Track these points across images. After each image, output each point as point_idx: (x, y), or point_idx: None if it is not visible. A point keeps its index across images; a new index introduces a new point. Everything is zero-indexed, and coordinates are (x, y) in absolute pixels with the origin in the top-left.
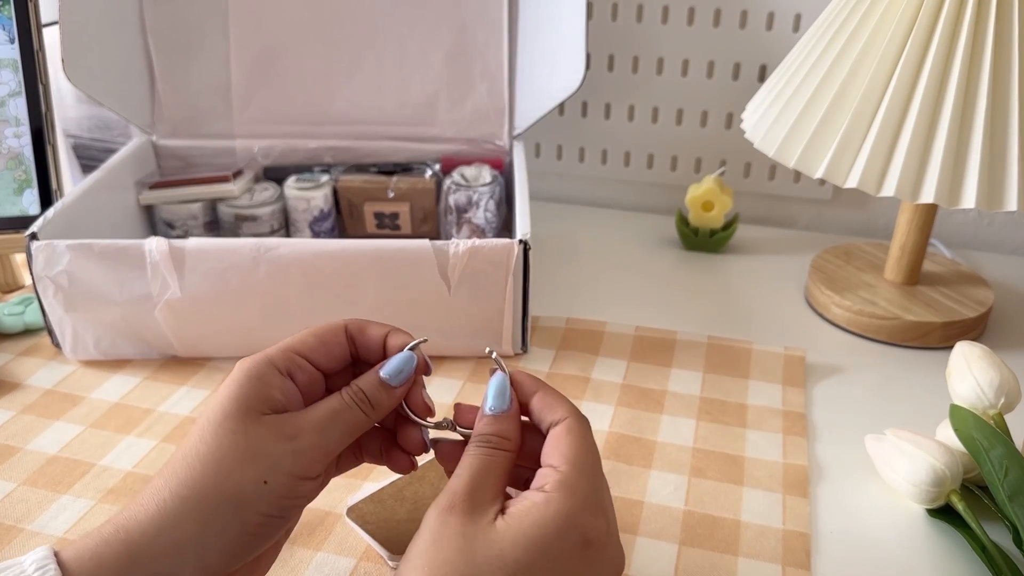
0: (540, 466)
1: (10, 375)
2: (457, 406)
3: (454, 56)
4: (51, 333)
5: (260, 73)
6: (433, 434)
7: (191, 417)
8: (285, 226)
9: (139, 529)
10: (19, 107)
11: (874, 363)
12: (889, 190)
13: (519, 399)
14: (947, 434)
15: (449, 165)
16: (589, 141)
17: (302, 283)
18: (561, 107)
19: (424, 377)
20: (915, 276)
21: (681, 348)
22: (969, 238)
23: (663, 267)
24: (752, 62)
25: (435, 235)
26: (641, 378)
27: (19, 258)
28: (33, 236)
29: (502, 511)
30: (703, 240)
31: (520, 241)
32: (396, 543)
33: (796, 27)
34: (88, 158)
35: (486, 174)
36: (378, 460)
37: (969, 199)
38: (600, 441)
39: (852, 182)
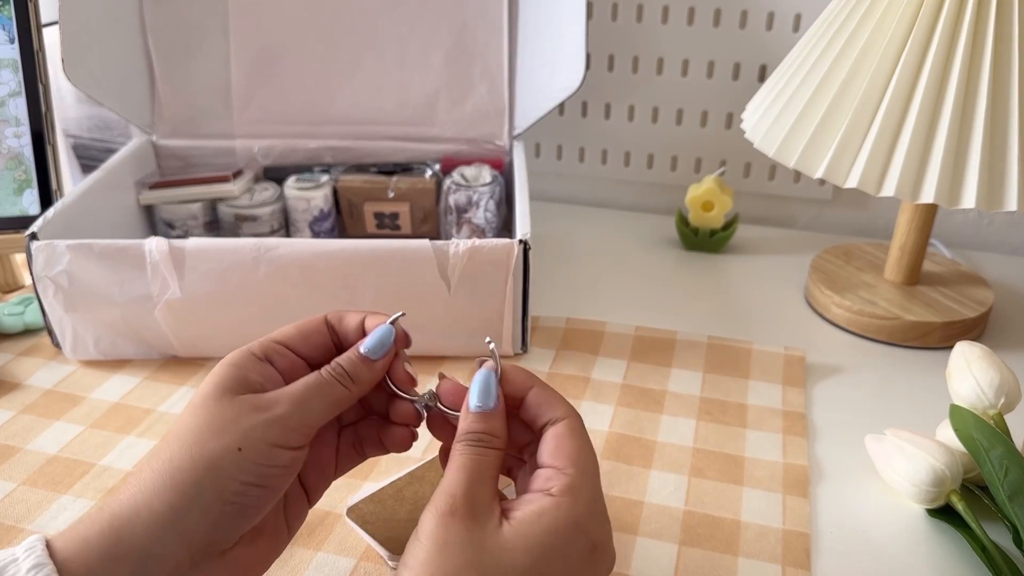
0: (521, 455)
1: (10, 375)
2: (440, 380)
3: (454, 56)
4: (51, 333)
5: (260, 73)
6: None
7: None
8: (285, 226)
9: (121, 507)
10: (19, 107)
11: (874, 363)
12: (889, 190)
13: (512, 393)
14: (947, 434)
15: (449, 165)
16: (589, 141)
17: (302, 283)
18: (561, 107)
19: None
20: (915, 276)
21: (681, 348)
22: (969, 238)
23: (663, 267)
24: (752, 62)
25: (435, 235)
26: (641, 378)
27: (19, 258)
28: (33, 236)
29: (504, 515)
30: (703, 240)
31: (520, 241)
32: (396, 543)
33: (796, 27)
34: (88, 158)
35: (486, 174)
36: (379, 448)
37: (969, 199)
38: (600, 441)
39: (852, 182)
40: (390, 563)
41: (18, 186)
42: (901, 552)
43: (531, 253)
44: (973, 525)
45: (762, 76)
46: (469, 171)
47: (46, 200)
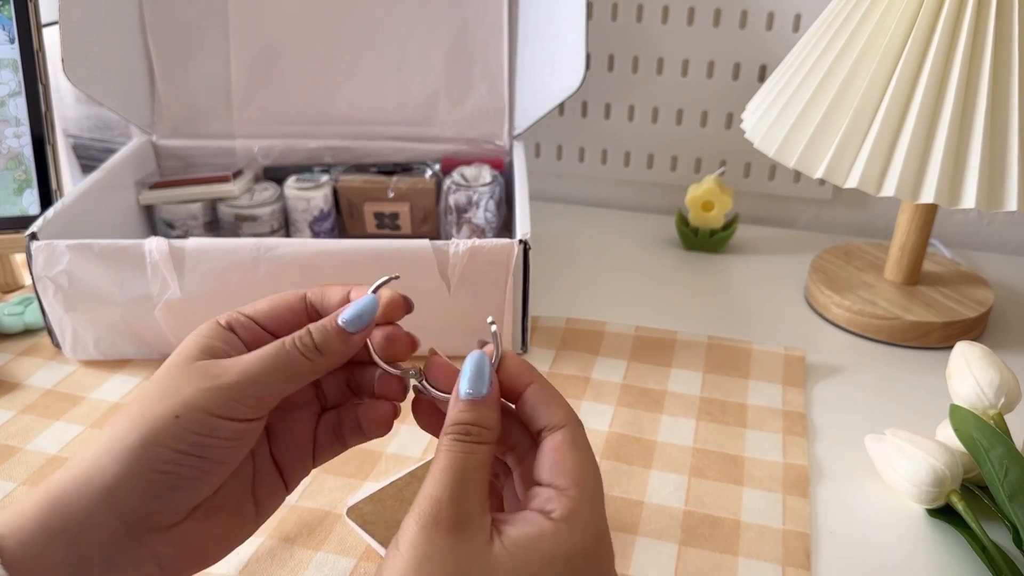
0: (505, 455)
1: (10, 375)
2: (430, 358)
3: (454, 56)
4: (51, 333)
5: (260, 73)
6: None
7: None
8: (285, 226)
9: (63, 480)
10: (19, 107)
11: (874, 363)
12: (889, 190)
13: (509, 385)
14: (947, 434)
15: (449, 165)
16: (589, 141)
17: (302, 283)
18: (561, 107)
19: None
20: (915, 276)
21: (681, 348)
22: (969, 238)
23: (663, 267)
24: (752, 62)
25: (435, 235)
26: (641, 378)
27: (19, 258)
28: (33, 236)
29: (496, 528)
30: (703, 240)
31: (520, 241)
32: None
33: (796, 27)
34: (88, 158)
35: (486, 174)
36: (358, 434)
37: (969, 199)
38: (600, 441)
39: (852, 182)
40: None
41: (18, 186)
42: (901, 552)
43: (531, 253)
44: (973, 525)
45: (762, 76)
46: (469, 171)
47: (46, 200)
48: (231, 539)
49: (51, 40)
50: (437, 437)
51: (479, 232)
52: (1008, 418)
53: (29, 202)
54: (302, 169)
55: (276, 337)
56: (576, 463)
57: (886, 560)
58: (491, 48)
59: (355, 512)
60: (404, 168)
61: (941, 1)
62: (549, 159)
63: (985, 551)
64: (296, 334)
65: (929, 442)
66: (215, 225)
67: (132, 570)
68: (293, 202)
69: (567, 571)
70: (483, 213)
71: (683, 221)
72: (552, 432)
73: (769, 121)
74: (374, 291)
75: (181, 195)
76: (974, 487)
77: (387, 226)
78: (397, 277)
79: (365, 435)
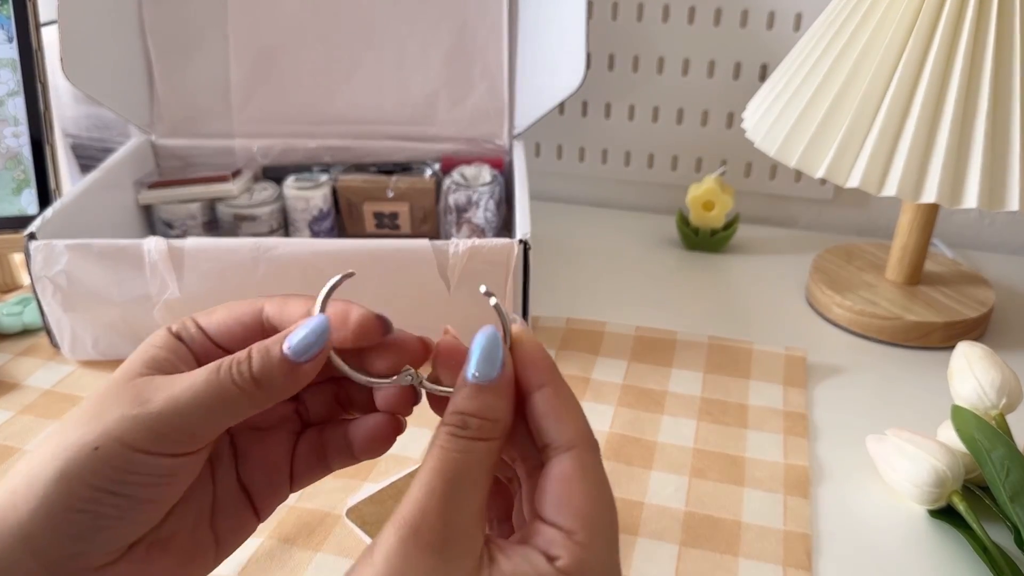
0: (522, 457)
1: (8, 375)
2: (442, 339)
3: (454, 55)
4: (49, 333)
5: (259, 72)
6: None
7: None
8: (284, 226)
9: None
10: (17, 106)
11: (875, 363)
12: (890, 190)
13: (522, 376)
14: (948, 435)
15: (449, 165)
16: (589, 141)
17: (301, 283)
18: (561, 106)
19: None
20: (916, 276)
21: (682, 348)
22: (970, 238)
23: (664, 267)
24: (753, 61)
25: (435, 235)
26: (641, 378)
27: (17, 258)
28: (31, 236)
29: (490, 554)
30: (704, 240)
31: (520, 241)
32: None
33: (797, 26)
34: (87, 157)
35: (486, 174)
36: (346, 456)
37: (971, 199)
38: (601, 442)
39: (853, 182)
40: None
41: (16, 186)
42: (902, 553)
43: (531, 253)
44: (974, 526)
45: (763, 75)
46: (469, 171)
47: (44, 200)
48: None
49: (50, 39)
50: None
51: (479, 232)
52: (1010, 418)
53: (27, 202)
54: (301, 169)
55: (225, 353)
56: (587, 499)
57: (887, 561)
58: (491, 47)
59: (355, 513)
60: (404, 168)
61: (942, 0)
62: (549, 159)
63: (986, 552)
64: (234, 357)
65: (930, 443)
66: (214, 225)
67: None
68: (292, 202)
69: None
70: (483, 213)
71: (684, 221)
72: (559, 455)
73: (770, 120)
74: (327, 294)
75: (180, 195)
76: (975, 488)
77: (387, 226)
78: (352, 274)
79: (355, 457)
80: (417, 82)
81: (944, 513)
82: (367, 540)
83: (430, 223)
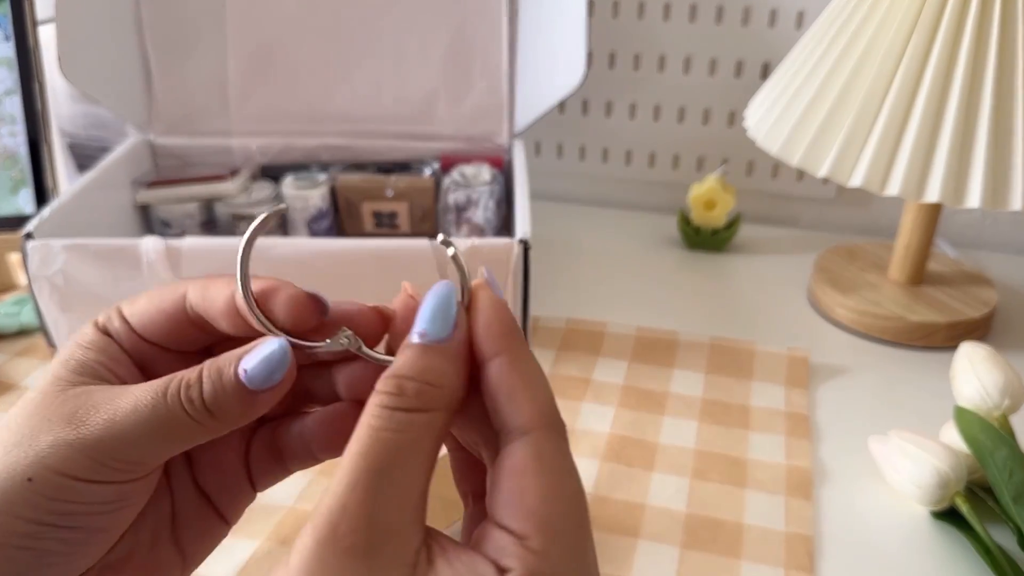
0: (484, 440)
1: (5, 376)
2: (398, 311)
3: (453, 53)
4: (46, 334)
5: (258, 71)
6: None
7: None
8: (283, 225)
9: None
10: (14, 105)
11: (878, 364)
12: (893, 189)
13: (478, 341)
14: (951, 436)
15: (448, 163)
16: (590, 139)
17: (300, 283)
18: (562, 105)
19: None
20: (919, 276)
21: (683, 349)
22: (973, 238)
23: (665, 267)
24: (755, 59)
25: (434, 234)
26: (642, 379)
27: (14, 257)
28: (28, 236)
29: (430, 558)
30: (705, 239)
31: (520, 241)
32: None
33: (799, 24)
34: (84, 157)
35: (485, 173)
36: (305, 455)
37: (974, 198)
38: (601, 443)
39: (856, 181)
40: None
41: (13, 185)
42: (905, 555)
43: (531, 253)
44: (977, 528)
45: (765, 73)
46: (468, 170)
47: (41, 199)
48: None
49: (47, 37)
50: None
51: (478, 231)
52: (1013, 419)
53: (24, 201)
54: (300, 168)
55: (161, 348)
56: (543, 497)
57: (889, 563)
58: (491, 45)
59: None
60: (403, 167)
61: None
62: (550, 157)
63: (989, 554)
64: (183, 378)
65: (933, 444)
66: (212, 224)
67: None
68: (291, 201)
69: None
70: (483, 212)
71: (685, 220)
72: (512, 442)
73: (772, 119)
74: (243, 257)
75: (178, 194)
76: (978, 489)
77: (385, 225)
78: (284, 209)
79: (315, 456)
80: (416, 80)
81: (947, 515)
82: None
83: (429, 222)
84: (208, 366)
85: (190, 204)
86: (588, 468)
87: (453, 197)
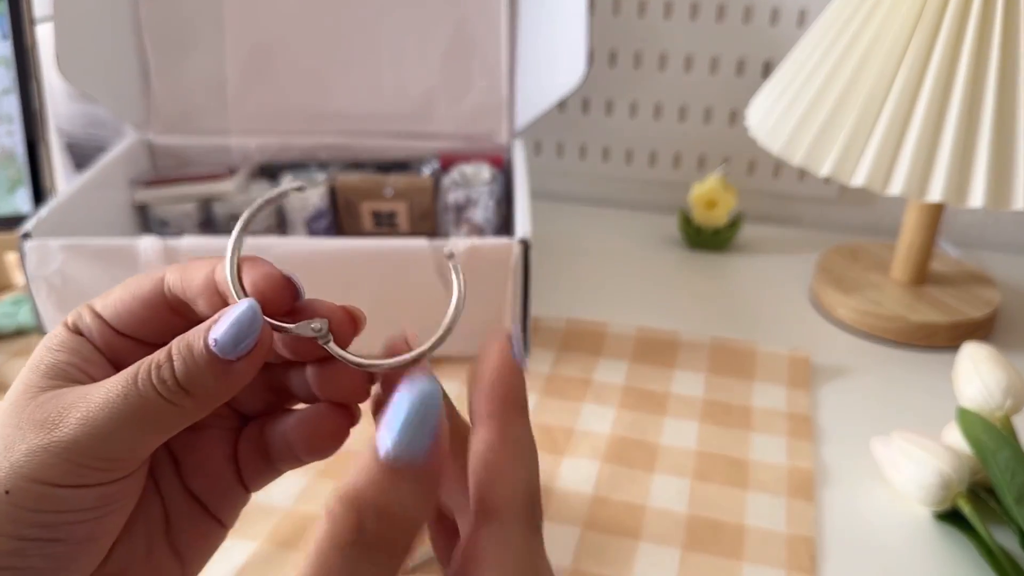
0: (458, 495)
1: (3, 377)
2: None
3: (453, 52)
4: (44, 333)
5: (256, 69)
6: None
7: None
8: (281, 225)
9: None
10: (11, 104)
11: (880, 364)
12: (895, 189)
13: (469, 396)
14: (954, 436)
15: (448, 163)
16: (591, 138)
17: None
18: (562, 104)
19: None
20: (922, 276)
21: (684, 349)
22: (976, 238)
23: (666, 266)
24: (756, 58)
25: (433, 234)
26: (643, 380)
27: (12, 257)
28: (26, 235)
29: None
30: (706, 239)
31: (520, 240)
32: None
33: (800, 22)
34: (82, 156)
35: (485, 172)
36: (290, 456)
37: (976, 198)
38: (602, 444)
39: (858, 180)
40: None
41: (11, 184)
42: (907, 556)
43: (531, 252)
44: (980, 529)
45: (766, 72)
46: (468, 169)
47: (39, 198)
48: None
49: (44, 36)
50: (345, 422)
51: (478, 231)
52: (1015, 419)
53: (22, 201)
54: (298, 167)
55: (136, 342)
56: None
57: (891, 564)
58: (490, 43)
59: None
60: (402, 166)
61: None
62: (550, 157)
63: (992, 555)
64: (151, 362)
65: (935, 445)
66: (210, 224)
67: None
68: (290, 201)
69: None
70: (482, 212)
71: (686, 220)
72: (481, 528)
73: (774, 118)
74: (238, 236)
75: (176, 193)
76: (981, 490)
77: (385, 225)
78: (297, 189)
79: (299, 459)
80: (415, 79)
81: (949, 516)
82: None
83: (429, 222)
84: (176, 343)
85: (188, 203)
86: (588, 469)
87: (453, 196)
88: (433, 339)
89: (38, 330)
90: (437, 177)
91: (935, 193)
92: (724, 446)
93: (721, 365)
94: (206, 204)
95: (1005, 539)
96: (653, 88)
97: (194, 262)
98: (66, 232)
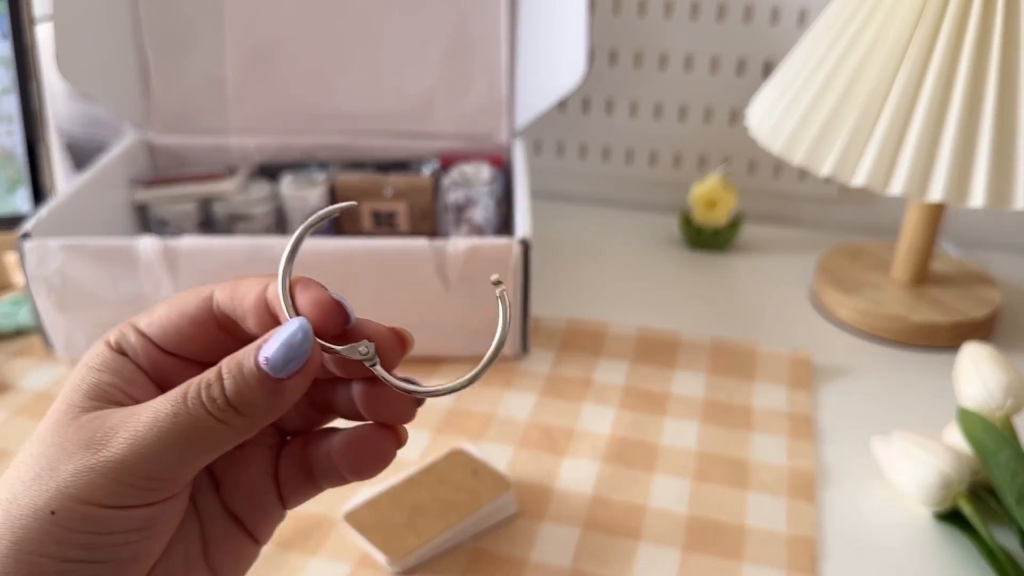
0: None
1: (3, 377)
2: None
3: (453, 51)
4: (44, 334)
5: (255, 69)
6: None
7: None
8: (281, 225)
9: None
10: (11, 104)
11: (881, 364)
12: (896, 188)
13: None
14: (954, 437)
15: (448, 162)
16: (591, 138)
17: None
18: (562, 103)
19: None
20: (922, 276)
21: (684, 349)
22: (977, 237)
23: (666, 266)
24: (756, 57)
25: (433, 234)
26: (644, 380)
27: (12, 257)
28: (26, 235)
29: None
30: (707, 239)
31: (520, 240)
32: (393, 549)
33: (801, 22)
34: (81, 156)
35: (485, 172)
36: (334, 476)
37: (977, 198)
38: (602, 444)
39: (859, 180)
40: (389, 567)
41: (10, 184)
42: (908, 556)
43: (531, 252)
44: (980, 529)
45: (767, 72)
46: (468, 169)
47: (38, 198)
48: None
49: (44, 36)
50: (395, 444)
51: (478, 231)
52: (1017, 419)
53: (21, 201)
54: (298, 166)
55: (182, 361)
56: None
57: (892, 564)
58: (490, 43)
59: (352, 517)
60: (402, 166)
61: None
62: (550, 156)
63: (992, 555)
64: (200, 381)
65: (936, 445)
66: (209, 224)
67: None
68: (289, 200)
69: None
70: (482, 212)
71: (686, 219)
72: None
73: (774, 118)
74: (290, 256)
75: (175, 193)
76: (982, 490)
77: (384, 224)
78: (352, 205)
79: (343, 478)
80: (415, 78)
81: (950, 516)
82: (365, 544)
83: (429, 222)
84: (227, 362)
85: (188, 203)
86: (589, 469)
87: (453, 196)
88: (478, 367)
89: (38, 330)
90: (437, 177)
91: (936, 193)
92: (724, 446)
93: (721, 365)
94: (206, 204)
95: (1005, 539)
96: (653, 88)
97: (244, 280)
98: (66, 232)
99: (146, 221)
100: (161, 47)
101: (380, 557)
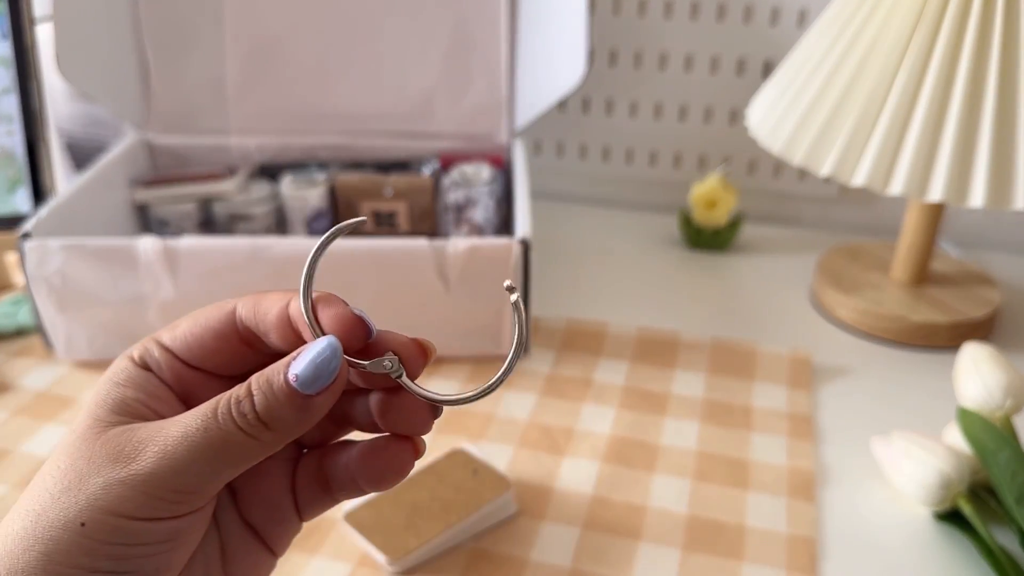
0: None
1: (3, 376)
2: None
3: (453, 51)
4: (44, 334)
5: (256, 69)
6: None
7: None
8: (281, 225)
9: None
10: (11, 104)
11: (881, 364)
12: (896, 189)
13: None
14: (954, 436)
15: (448, 162)
16: (591, 138)
17: (297, 283)
18: (562, 103)
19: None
20: (922, 276)
21: (684, 349)
22: (977, 237)
23: (666, 266)
24: (756, 58)
25: (433, 234)
26: (644, 380)
27: (12, 257)
28: (26, 235)
29: None
30: (707, 239)
31: (520, 240)
32: (393, 549)
33: (801, 22)
34: (81, 156)
35: (485, 172)
36: (351, 486)
37: (977, 198)
38: (602, 444)
39: (859, 180)
40: (388, 567)
41: (10, 184)
42: (908, 556)
43: (531, 252)
44: (980, 529)
45: (767, 72)
46: (468, 169)
47: (39, 198)
48: None
49: (44, 36)
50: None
51: (478, 231)
52: (1016, 419)
53: (21, 201)
54: (298, 166)
55: (205, 375)
56: None
57: (892, 564)
58: (490, 43)
59: (353, 517)
60: (402, 166)
61: None
62: (550, 156)
63: (992, 555)
64: (231, 396)
65: (936, 445)
66: (210, 224)
67: None
68: (289, 200)
69: None
70: (482, 212)
71: (686, 219)
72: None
73: (774, 118)
74: (309, 271)
75: (176, 193)
76: (981, 490)
77: (385, 224)
78: (363, 221)
79: (361, 489)
80: (415, 78)
81: (950, 516)
82: (365, 545)
83: (428, 222)
84: (256, 378)
85: (188, 203)
86: (588, 469)
87: (453, 196)
88: (497, 375)
89: (38, 330)
90: (437, 177)
91: (935, 193)
92: (724, 446)
93: (721, 365)
94: (206, 204)
95: (1005, 539)
96: (653, 88)
97: (266, 296)
98: (66, 232)
99: (146, 221)
100: (161, 47)
101: (380, 557)
